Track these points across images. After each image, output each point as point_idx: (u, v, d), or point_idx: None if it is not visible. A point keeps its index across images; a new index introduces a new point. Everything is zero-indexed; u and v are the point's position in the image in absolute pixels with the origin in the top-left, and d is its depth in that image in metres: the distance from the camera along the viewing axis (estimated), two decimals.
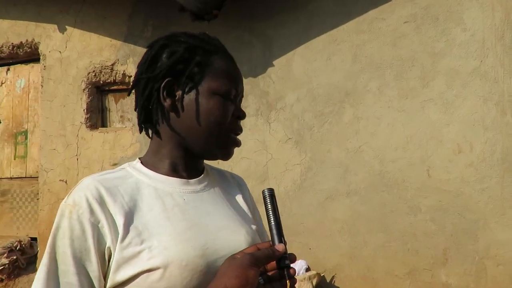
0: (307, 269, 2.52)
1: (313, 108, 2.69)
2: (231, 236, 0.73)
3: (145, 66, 0.76)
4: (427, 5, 2.46)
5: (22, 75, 3.74)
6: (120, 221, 0.66)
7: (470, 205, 2.31)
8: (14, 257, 3.25)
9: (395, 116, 2.50)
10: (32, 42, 3.50)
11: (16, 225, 3.65)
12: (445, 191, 2.36)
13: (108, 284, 0.65)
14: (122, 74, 3.22)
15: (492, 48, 2.32)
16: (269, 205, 0.68)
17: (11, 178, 3.69)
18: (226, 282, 0.59)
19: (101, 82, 3.31)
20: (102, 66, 3.26)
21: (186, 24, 2.84)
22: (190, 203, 0.73)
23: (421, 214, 2.40)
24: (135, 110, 0.79)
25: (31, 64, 3.69)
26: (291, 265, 0.65)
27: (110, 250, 0.65)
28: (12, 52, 3.60)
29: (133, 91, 0.79)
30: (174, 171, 0.77)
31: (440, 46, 2.42)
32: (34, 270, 3.32)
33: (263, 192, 0.69)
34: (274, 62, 2.81)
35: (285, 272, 0.64)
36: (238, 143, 0.79)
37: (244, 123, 0.83)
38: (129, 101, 3.33)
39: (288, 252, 0.66)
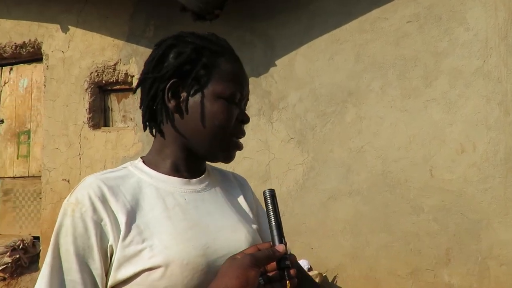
0: (309, 269, 2.52)
1: (315, 108, 2.69)
2: (231, 236, 0.73)
3: (151, 65, 0.76)
4: (430, 4, 2.45)
5: (25, 75, 3.75)
6: (122, 220, 0.66)
7: (473, 205, 2.31)
8: (17, 256, 3.26)
9: (398, 116, 2.49)
10: (34, 42, 3.51)
11: (19, 224, 3.66)
12: (448, 191, 2.36)
13: (110, 282, 0.66)
14: (125, 73, 3.23)
15: (495, 47, 2.31)
16: (270, 206, 0.68)
17: (14, 177, 3.71)
18: (227, 282, 0.59)
19: (104, 82, 3.31)
20: (104, 66, 3.26)
21: (187, 24, 2.84)
22: (191, 203, 0.74)
23: (423, 214, 2.40)
24: (140, 108, 0.79)
25: (34, 64, 3.70)
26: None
27: (112, 248, 0.65)
28: (15, 52, 3.61)
29: (138, 89, 0.80)
30: (175, 171, 0.77)
31: (443, 46, 2.41)
32: (37, 269, 3.33)
33: (264, 192, 0.69)
34: (276, 62, 2.81)
35: (285, 273, 0.63)
36: (240, 147, 0.79)
37: None
38: (131, 101, 3.34)
39: (289, 253, 0.66)
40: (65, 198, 0.69)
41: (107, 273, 0.66)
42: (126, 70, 3.22)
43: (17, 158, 3.71)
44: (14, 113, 3.75)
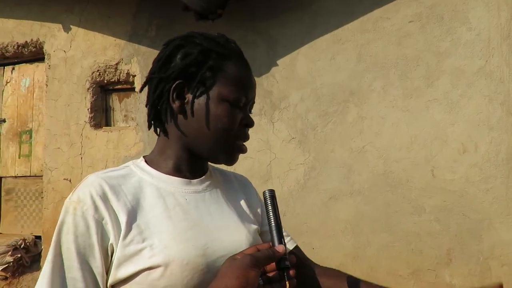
0: None
1: (317, 107, 2.68)
2: (231, 236, 0.74)
3: (158, 65, 0.76)
4: (432, 4, 2.44)
5: (27, 75, 3.76)
6: (122, 219, 0.66)
7: (475, 205, 2.30)
8: (19, 255, 3.26)
9: (400, 115, 2.49)
10: (37, 41, 3.52)
11: (21, 224, 3.67)
12: (450, 191, 2.35)
13: (110, 281, 0.66)
14: (126, 73, 3.23)
15: (497, 47, 2.30)
16: (269, 206, 0.68)
17: (15, 176, 3.71)
18: (227, 282, 0.59)
19: (105, 81, 3.32)
20: (106, 66, 3.27)
21: (190, 23, 2.84)
22: (191, 203, 0.74)
23: (425, 214, 2.39)
24: (146, 106, 0.79)
25: (36, 64, 3.71)
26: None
27: (113, 247, 0.66)
28: (17, 51, 3.62)
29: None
30: (177, 171, 0.77)
31: (445, 46, 2.41)
32: (38, 268, 3.34)
33: (263, 193, 0.70)
34: (278, 62, 2.81)
35: (285, 273, 0.64)
36: (243, 150, 0.79)
37: None
38: (133, 101, 3.34)
39: (288, 253, 0.66)
40: (67, 197, 0.69)
41: (107, 272, 0.66)
42: (128, 70, 3.22)
43: (19, 158, 3.71)
44: (16, 112, 3.75)
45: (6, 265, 3.20)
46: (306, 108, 2.71)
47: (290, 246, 0.88)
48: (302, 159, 2.70)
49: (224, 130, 0.74)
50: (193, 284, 0.66)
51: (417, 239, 2.40)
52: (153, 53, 3.12)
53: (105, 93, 3.42)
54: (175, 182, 0.75)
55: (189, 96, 0.74)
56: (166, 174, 0.76)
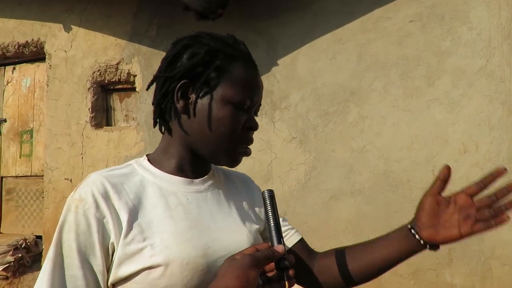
0: None
1: (317, 107, 2.68)
2: (232, 237, 0.74)
3: (165, 64, 0.76)
4: (432, 4, 2.44)
5: (27, 74, 3.76)
6: (124, 218, 0.67)
7: None
8: (19, 255, 3.27)
9: (400, 115, 2.49)
10: (37, 41, 3.52)
11: (22, 223, 3.67)
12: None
13: (110, 279, 0.66)
14: (127, 73, 3.23)
15: (498, 47, 2.30)
16: (268, 207, 0.68)
17: (16, 176, 3.72)
18: (227, 282, 0.59)
19: (106, 81, 3.32)
20: (107, 65, 3.27)
21: (190, 23, 2.84)
22: (193, 203, 0.74)
23: None
24: (152, 104, 0.79)
25: (37, 63, 3.71)
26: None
27: (114, 246, 0.66)
28: (18, 51, 3.62)
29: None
30: (179, 171, 0.77)
31: (446, 45, 2.40)
32: (39, 268, 3.34)
33: (262, 193, 0.70)
34: (279, 62, 2.81)
35: (284, 273, 0.64)
36: (247, 153, 0.79)
37: None
38: (134, 100, 3.34)
39: (287, 253, 0.66)
40: (67, 197, 0.69)
41: (108, 270, 0.66)
42: (129, 70, 3.22)
43: (20, 157, 3.72)
44: (17, 112, 3.76)
45: (7, 264, 3.20)
46: (306, 107, 2.71)
47: (295, 238, 0.88)
48: (303, 158, 2.70)
49: (226, 133, 0.73)
50: (193, 284, 0.66)
51: None
52: (154, 53, 3.13)
53: (105, 93, 3.43)
54: (177, 182, 0.75)
55: (193, 96, 0.74)
56: (169, 173, 0.76)
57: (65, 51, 3.41)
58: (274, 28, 2.82)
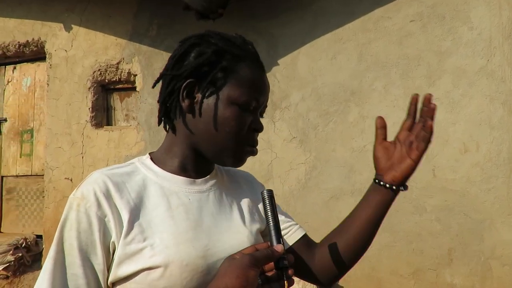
0: None
1: (318, 107, 2.68)
2: (233, 238, 0.73)
3: (172, 62, 0.75)
4: (433, 3, 2.44)
5: (28, 74, 3.76)
6: (125, 217, 0.66)
7: (476, 205, 2.30)
8: (20, 255, 3.27)
9: (401, 115, 2.48)
10: (38, 40, 3.52)
11: (22, 223, 3.68)
12: (451, 191, 2.35)
13: (110, 278, 0.66)
14: (127, 72, 3.23)
15: (499, 47, 2.30)
16: (268, 207, 0.68)
17: (16, 176, 3.72)
18: (227, 282, 0.59)
19: (107, 80, 3.32)
20: (107, 65, 3.27)
21: (191, 23, 2.84)
22: (194, 203, 0.74)
23: (426, 214, 2.39)
24: (158, 102, 0.79)
25: (37, 63, 3.71)
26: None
27: (115, 245, 0.66)
28: (18, 50, 3.62)
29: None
30: (182, 170, 0.77)
31: (447, 45, 2.40)
32: (39, 267, 3.34)
33: (262, 193, 0.69)
34: (279, 61, 2.81)
35: (283, 273, 0.64)
36: (253, 153, 0.79)
37: None
38: (134, 100, 3.34)
39: (286, 253, 0.66)
40: (68, 196, 0.69)
41: (108, 269, 0.66)
42: (129, 69, 3.22)
43: (20, 157, 3.72)
44: (17, 111, 3.76)
45: (7, 264, 3.20)
46: (307, 107, 2.71)
47: (298, 235, 0.89)
48: (303, 158, 2.70)
49: (231, 134, 0.72)
50: (193, 285, 0.66)
51: (418, 238, 2.40)
52: (154, 53, 3.13)
53: (106, 92, 3.43)
54: (179, 182, 0.75)
55: (198, 96, 0.73)
56: (171, 172, 0.75)
57: (66, 50, 3.41)
58: (274, 28, 2.82)
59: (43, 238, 3.41)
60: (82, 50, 3.36)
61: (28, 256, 3.33)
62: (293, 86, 2.76)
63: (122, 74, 3.25)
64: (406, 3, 2.50)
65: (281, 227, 0.83)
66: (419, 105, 0.78)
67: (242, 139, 0.75)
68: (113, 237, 0.65)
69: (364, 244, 0.84)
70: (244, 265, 0.59)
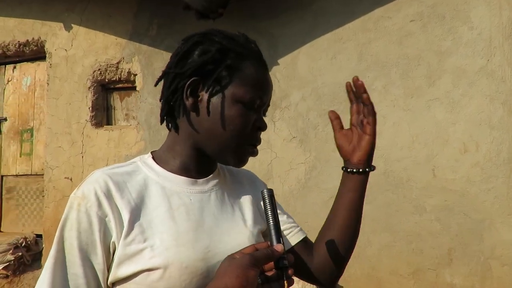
0: None
1: (318, 107, 2.68)
2: (235, 239, 0.73)
3: (175, 60, 0.75)
4: (433, 3, 2.44)
5: (28, 73, 3.76)
6: (126, 217, 0.66)
7: (476, 205, 2.30)
8: (20, 254, 3.27)
9: (401, 115, 2.49)
10: (38, 40, 3.52)
11: (22, 222, 3.67)
12: (451, 191, 2.35)
13: (110, 278, 0.66)
14: (127, 72, 3.23)
15: (499, 47, 2.30)
16: (268, 206, 0.68)
17: (16, 175, 3.72)
18: (227, 281, 0.58)
19: (107, 80, 3.32)
20: (107, 64, 3.27)
21: (191, 22, 2.84)
22: (196, 204, 0.73)
23: (426, 213, 2.39)
24: (160, 101, 0.78)
25: (37, 62, 3.71)
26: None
27: (115, 245, 0.66)
28: (18, 50, 3.62)
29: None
30: (184, 170, 0.76)
31: (447, 45, 2.40)
32: (39, 266, 3.35)
33: (262, 192, 0.69)
34: (279, 61, 2.81)
35: (283, 273, 0.63)
36: (254, 154, 0.78)
37: None
38: (134, 100, 3.34)
39: (286, 253, 0.65)
40: (68, 196, 0.69)
41: (108, 269, 0.66)
42: (129, 69, 3.22)
43: (20, 156, 3.72)
44: (17, 111, 3.76)
45: (7, 263, 3.20)
46: (307, 107, 2.71)
47: (298, 237, 0.88)
48: (303, 158, 2.70)
49: (235, 132, 0.72)
50: None
51: (417, 238, 2.40)
52: (154, 52, 3.13)
53: (106, 92, 3.42)
54: (180, 182, 0.74)
55: (203, 94, 0.73)
56: (173, 172, 0.75)
57: (66, 50, 3.41)
58: (274, 28, 2.81)
59: (43, 237, 3.41)
60: (82, 49, 3.36)
61: (28, 256, 3.33)
62: (293, 86, 2.76)
63: (122, 73, 3.25)
64: (406, 3, 2.50)
65: (282, 227, 0.83)
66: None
67: (246, 138, 0.75)
68: (114, 237, 0.65)
69: (353, 231, 0.85)
70: (244, 264, 0.59)
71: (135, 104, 3.32)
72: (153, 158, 0.77)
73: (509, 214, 2.24)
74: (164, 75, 0.77)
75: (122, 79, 3.29)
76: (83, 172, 3.26)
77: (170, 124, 0.78)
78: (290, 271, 0.63)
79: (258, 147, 0.81)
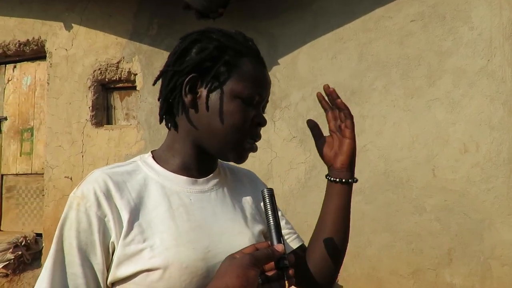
0: None
1: (318, 107, 2.67)
2: (235, 240, 0.73)
3: (173, 58, 0.75)
4: (434, 3, 2.44)
5: (28, 73, 3.76)
6: (125, 217, 0.66)
7: (476, 205, 2.30)
8: (19, 253, 3.27)
9: (401, 115, 2.49)
10: (38, 39, 3.52)
11: (22, 221, 3.68)
12: (451, 191, 2.35)
13: (109, 279, 0.66)
14: (128, 72, 3.23)
15: (499, 47, 2.30)
16: (268, 206, 0.67)
17: (17, 174, 3.72)
18: (227, 281, 0.58)
19: (107, 80, 3.32)
20: (107, 64, 3.27)
21: (191, 22, 2.84)
22: (196, 204, 0.73)
23: (426, 213, 2.39)
24: (158, 100, 0.78)
25: (38, 62, 3.71)
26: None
27: (114, 245, 0.65)
28: (18, 49, 3.62)
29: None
30: (184, 169, 0.76)
31: (447, 45, 2.40)
32: (39, 265, 3.35)
33: (262, 192, 0.68)
34: (279, 61, 2.80)
35: (284, 273, 0.63)
36: (254, 149, 0.78)
37: None
38: (134, 99, 3.34)
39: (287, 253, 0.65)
40: (68, 195, 0.69)
41: (108, 269, 0.66)
42: (129, 68, 3.22)
43: (20, 155, 3.72)
44: (17, 110, 3.76)
45: (7, 262, 3.21)
46: (307, 107, 2.71)
47: (294, 245, 0.87)
48: (303, 158, 2.70)
49: (235, 127, 0.72)
50: None
51: (417, 238, 2.40)
52: (154, 52, 3.12)
53: (106, 91, 3.42)
54: (181, 181, 0.74)
55: (201, 91, 0.73)
56: (173, 172, 0.75)
57: (66, 49, 3.41)
58: (274, 28, 2.81)
59: (43, 236, 3.41)
60: (82, 49, 3.36)
61: (28, 255, 3.34)
62: (293, 86, 2.76)
63: (122, 73, 3.25)
64: (407, 3, 2.50)
65: None
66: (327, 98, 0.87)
67: (246, 133, 0.75)
68: (113, 237, 0.65)
69: (342, 236, 0.86)
70: (245, 264, 0.59)
71: (135, 104, 3.32)
72: (153, 157, 0.77)
73: (509, 214, 2.24)
74: (163, 73, 0.77)
75: (122, 78, 3.29)
76: (83, 171, 3.27)
77: (169, 123, 0.78)
78: (290, 271, 0.63)
79: (259, 147, 0.81)
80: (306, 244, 0.89)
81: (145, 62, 3.16)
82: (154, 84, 0.82)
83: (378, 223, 2.48)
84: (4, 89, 3.81)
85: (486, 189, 2.28)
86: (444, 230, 2.35)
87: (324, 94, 0.84)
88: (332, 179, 0.83)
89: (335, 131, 0.85)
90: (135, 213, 0.67)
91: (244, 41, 0.76)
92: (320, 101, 0.87)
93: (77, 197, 0.66)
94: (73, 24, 3.40)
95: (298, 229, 0.95)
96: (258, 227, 0.79)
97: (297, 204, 2.67)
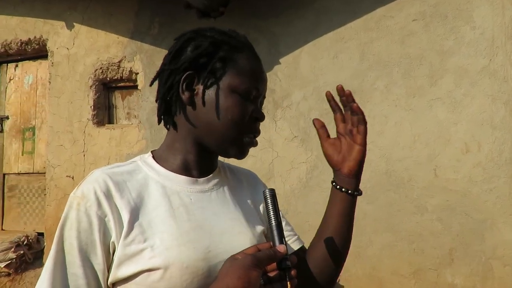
0: None
1: (319, 106, 2.68)
2: (235, 240, 0.72)
3: (169, 58, 0.76)
4: (436, 3, 2.43)
5: (30, 72, 3.76)
6: (125, 217, 0.66)
7: (478, 205, 2.29)
8: (21, 252, 3.28)
9: (403, 114, 2.48)
10: (40, 38, 3.52)
11: (23, 220, 3.68)
12: (452, 191, 2.34)
13: (110, 279, 0.66)
14: (129, 71, 3.23)
15: (501, 46, 2.29)
16: (270, 206, 0.67)
17: (18, 173, 3.73)
18: (229, 282, 0.58)
19: (108, 79, 3.32)
20: (109, 63, 3.27)
21: (192, 21, 2.84)
22: (196, 203, 0.73)
23: (427, 213, 2.39)
24: (156, 101, 0.78)
25: (39, 61, 3.72)
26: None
27: (115, 245, 0.65)
28: (20, 48, 3.62)
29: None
30: (184, 168, 0.76)
31: (449, 45, 2.39)
32: (41, 264, 3.35)
33: (263, 192, 0.68)
34: (281, 60, 2.80)
35: (286, 274, 0.63)
36: (254, 144, 0.78)
37: None
38: (136, 98, 3.34)
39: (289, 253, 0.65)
40: (69, 194, 0.69)
41: (109, 269, 0.66)
42: (131, 67, 3.22)
43: (22, 155, 3.72)
44: (19, 109, 3.76)
45: (9, 261, 3.21)
46: (308, 106, 2.70)
47: (294, 247, 0.86)
48: (305, 157, 2.70)
49: (234, 122, 0.72)
50: None
51: (419, 238, 2.40)
52: (156, 51, 3.12)
53: (107, 90, 3.43)
54: (181, 181, 0.74)
55: (199, 87, 0.73)
56: (173, 171, 0.75)
57: (68, 48, 3.41)
58: (276, 27, 2.81)
59: (45, 235, 3.42)
60: (84, 48, 3.36)
61: (30, 254, 3.34)
62: (295, 85, 2.75)
63: (124, 72, 3.25)
64: (409, 2, 2.49)
65: None
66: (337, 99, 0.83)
67: (245, 128, 0.74)
68: (113, 237, 0.65)
69: (344, 240, 0.85)
70: (246, 265, 0.58)
71: (136, 103, 3.32)
72: (153, 157, 0.77)
73: (511, 214, 2.23)
74: (159, 73, 0.77)
75: (123, 77, 3.29)
76: (84, 170, 3.27)
77: (168, 123, 0.78)
78: (293, 272, 0.62)
79: (259, 147, 0.81)
80: (307, 245, 0.89)
81: (147, 61, 3.16)
82: (151, 84, 0.82)
83: (380, 223, 2.48)
84: (6, 88, 3.82)
85: (488, 189, 2.27)
86: (445, 230, 2.35)
87: (334, 94, 0.82)
88: (338, 187, 0.82)
89: (344, 134, 0.83)
90: (135, 213, 0.67)
91: (237, 36, 0.77)
92: (329, 101, 0.83)
93: (77, 197, 0.66)
94: (74, 23, 3.40)
95: (300, 229, 0.95)
96: (259, 227, 0.79)
97: (299, 204, 2.67)
